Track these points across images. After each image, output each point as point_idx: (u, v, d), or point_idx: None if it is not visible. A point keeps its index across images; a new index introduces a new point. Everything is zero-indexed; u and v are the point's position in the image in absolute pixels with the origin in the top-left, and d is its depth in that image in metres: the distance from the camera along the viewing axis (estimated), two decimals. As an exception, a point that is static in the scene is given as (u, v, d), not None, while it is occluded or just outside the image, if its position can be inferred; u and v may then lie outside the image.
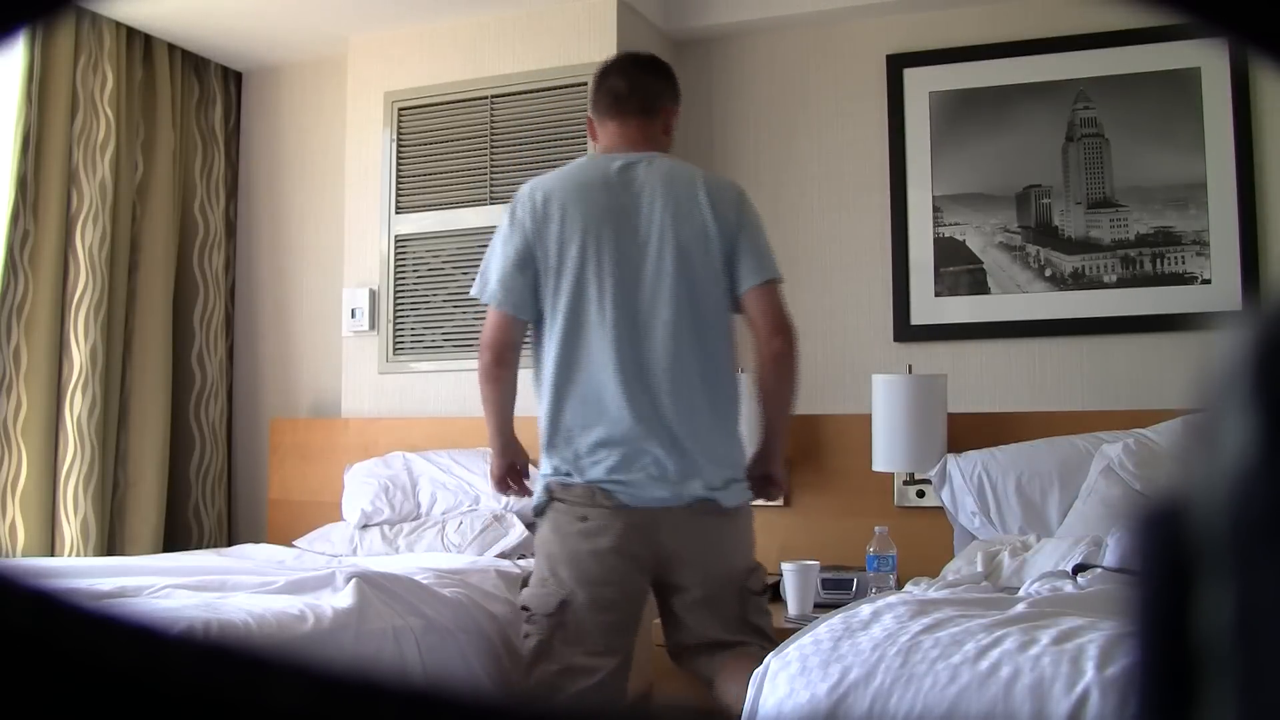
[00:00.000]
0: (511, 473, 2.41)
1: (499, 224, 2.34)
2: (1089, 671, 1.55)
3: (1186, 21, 0.27)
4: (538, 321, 2.31)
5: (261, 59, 4.24)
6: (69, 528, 3.51)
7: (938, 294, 3.54)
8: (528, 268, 2.27)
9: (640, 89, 2.34)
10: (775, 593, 2.91)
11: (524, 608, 2.29)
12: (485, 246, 3.72)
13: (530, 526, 2.41)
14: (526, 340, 2.38)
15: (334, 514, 3.63)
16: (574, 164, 2.35)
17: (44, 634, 0.24)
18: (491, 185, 3.73)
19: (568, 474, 2.23)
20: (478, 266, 3.82)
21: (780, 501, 2.67)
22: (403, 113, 3.89)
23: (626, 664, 2.28)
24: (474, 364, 3.73)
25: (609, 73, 2.39)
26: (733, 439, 2.31)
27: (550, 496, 2.26)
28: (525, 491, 2.44)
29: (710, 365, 2.25)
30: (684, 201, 2.28)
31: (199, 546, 3.91)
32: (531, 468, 2.42)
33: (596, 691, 2.18)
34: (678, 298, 2.22)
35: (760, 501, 2.44)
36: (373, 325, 3.88)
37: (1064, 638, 1.66)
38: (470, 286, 3.77)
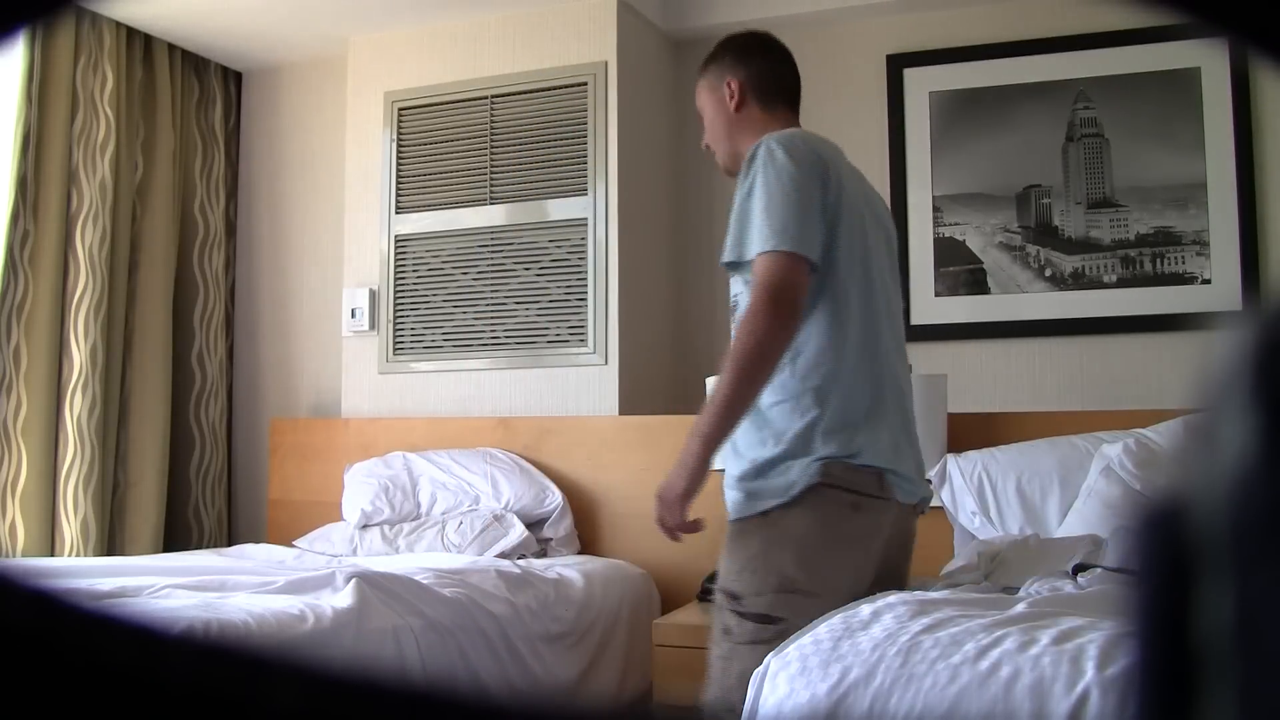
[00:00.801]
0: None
1: (780, 165, 1.91)
2: (1089, 671, 1.55)
3: (1186, 21, 0.27)
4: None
5: (261, 59, 4.24)
6: (69, 528, 3.51)
7: (938, 294, 3.54)
8: (819, 217, 1.93)
9: (800, 94, 2.22)
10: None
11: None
12: (485, 246, 3.75)
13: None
14: None
15: (334, 514, 3.63)
16: (806, 133, 2.05)
17: (44, 634, 0.24)
18: (491, 185, 3.73)
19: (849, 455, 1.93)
20: (478, 266, 3.89)
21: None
22: (403, 113, 3.89)
23: None
24: (474, 364, 3.75)
25: (778, 56, 2.19)
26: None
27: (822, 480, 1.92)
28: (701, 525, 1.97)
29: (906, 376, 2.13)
30: (875, 200, 2.16)
31: (199, 546, 3.91)
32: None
33: None
34: (892, 298, 2.10)
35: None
36: (373, 325, 3.88)
37: (1064, 638, 1.66)
38: (471, 286, 3.81)
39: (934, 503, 3.02)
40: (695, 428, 1.88)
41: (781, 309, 1.84)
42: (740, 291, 2.00)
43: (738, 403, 1.87)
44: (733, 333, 1.92)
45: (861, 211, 2.02)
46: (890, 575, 2.06)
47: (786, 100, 2.17)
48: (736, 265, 1.96)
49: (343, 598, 2.42)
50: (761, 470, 1.96)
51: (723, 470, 2.04)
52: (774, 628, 1.88)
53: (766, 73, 2.16)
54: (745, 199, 1.94)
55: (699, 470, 1.88)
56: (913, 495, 2.05)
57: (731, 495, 2.02)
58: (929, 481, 2.17)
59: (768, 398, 1.95)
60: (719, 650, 1.98)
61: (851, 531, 1.94)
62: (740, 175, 1.98)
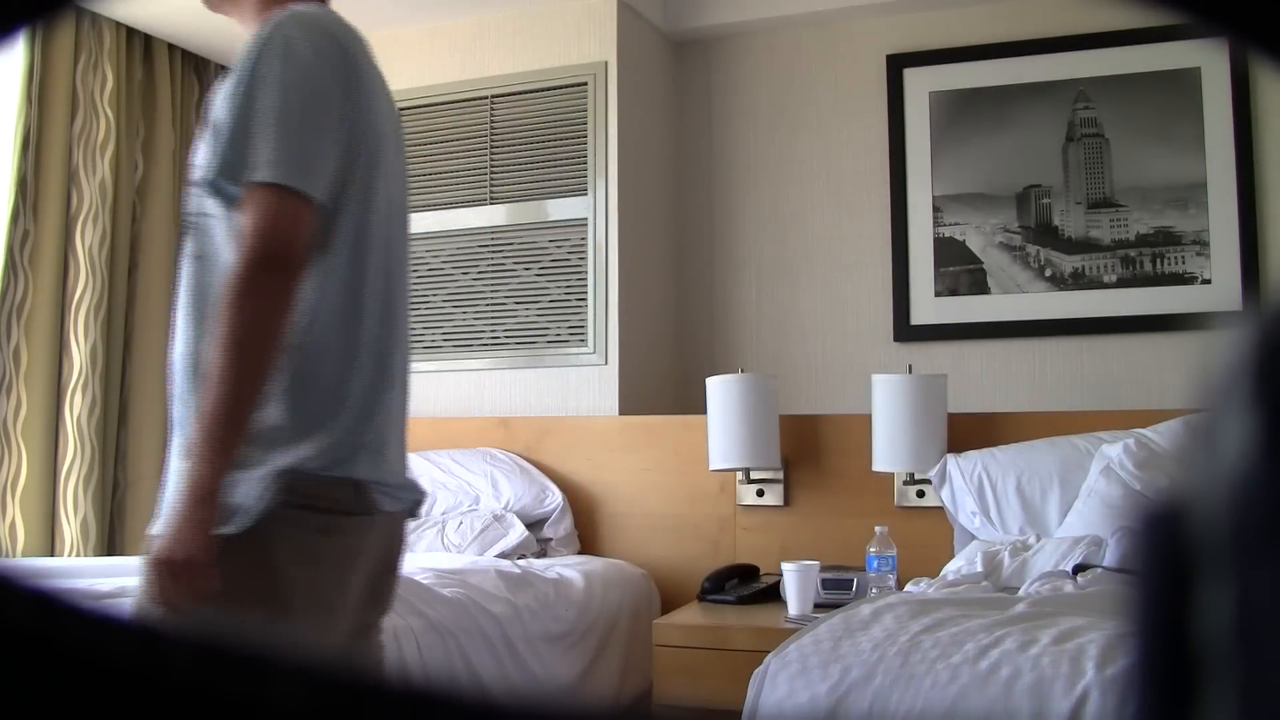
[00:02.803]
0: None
1: (301, 62, 1.47)
2: (1089, 671, 1.55)
3: (1186, 21, 0.27)
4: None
5: (261, 59, 4.24)
6: (69, 528, 3.51)
7: (938, 294, 3.54)
8: (331, 141, 1.49)
9: None
10: (776, 593, 2.92)
11: None
12: (485, 246, 3.75)
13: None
14: None
15: (334, 514, 3.63)
16: (339, 17, 1.57)
17: (44, 634, 0.24)
18: (491, 185, 3.73)
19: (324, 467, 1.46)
20: (478, 266, 3.89)
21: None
22: (402, 112, 3.87)
23: None
24: (474, 364, 3.75)
25: None
26: None
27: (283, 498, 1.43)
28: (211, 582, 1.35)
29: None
30: (396, 118, 1.72)
31: (199, 546, 3.90)
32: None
33: None
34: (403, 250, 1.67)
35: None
36: (373, 325, 3.88)
37: (1064, 638, 1.66)
38: (471, 286, 3.80)
39: (934, 503, 3.04)
40: (196, 442, 1.37)
41: (284, 273, 1.40)
42: (209, 215, 1.50)
43: (243, 400, 1.36)
44: (191, 272, 1.51)
45: (384, 131, 1.60)
46: (372, 598, 1.58)
47: None
48: (217, 184, 1.47)
49: (343, 598, 2.41)
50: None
51: None
52: None
53: None
54: (246, 98, 1.45)
55: (213, 495, 1.35)
56: (403, 500, 1.60)
57: None
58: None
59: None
60: None
61: (316, 571, 1.45)
62: (244, 61, 1.47)
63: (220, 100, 1.49)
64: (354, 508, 1.49)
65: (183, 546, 1.33)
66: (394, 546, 1.63)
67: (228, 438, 1.36)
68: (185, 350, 1.51)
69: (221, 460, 1.35)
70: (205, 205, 1.51)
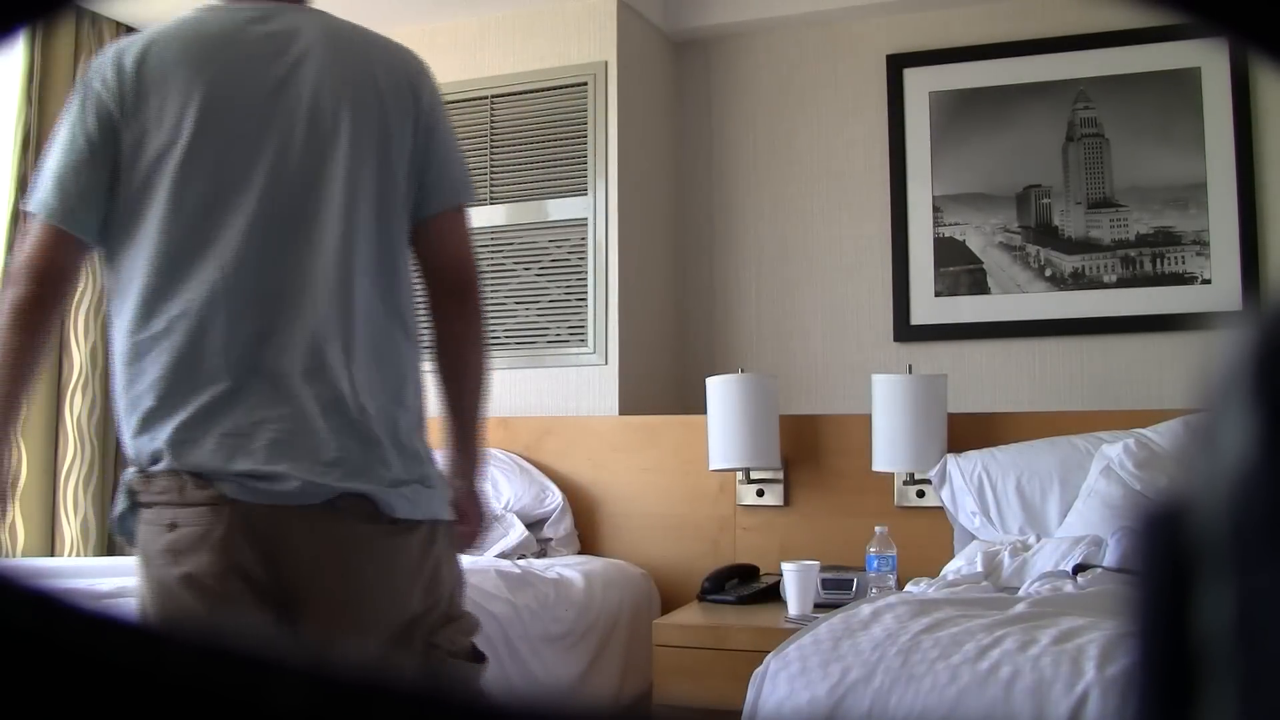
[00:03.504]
0: None
1: (67, 109, 1.54)
2: (1089, 671, 1.55)
3: (1186, 21, 0.27)
4: (107, 245, 1.54)
5: (261, 59, 4.24)
6: (69, 528, 3.51)
7: (938, 294, 3.54)
8: (101, 165, 1.49)
9: None
10: (776, 593, 2.92)
11: None
12: (485, 246, 3.74)
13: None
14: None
15: (334, 514, 3.62)
16: (179, 17, 1.56)
17: (44, 634, 0.24)
18: (491, 185, 3.73)
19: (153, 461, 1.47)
20: (478, 266, 3.84)
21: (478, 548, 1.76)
22: (403, 113, 3.88)
23: None
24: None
25: None
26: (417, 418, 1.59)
27: (133, 500, 1.49)
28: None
29: (380, 317, 1.60)
30: (356, 71, 1.58)
31: (199, 546, 3.90)
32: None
33: None
34: (347, 208, 1.54)
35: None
36: (373, 325, 3.88)
37: (1064, 638, 1.66)
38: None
39: (934, 503, 3.04)
40: None
41: (19, 291, 1.49)
42: None
43: None
44: None
45: (219, 108, 1.50)
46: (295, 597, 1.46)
47: None
48: None
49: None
50: None
51: None
52: None
53: None
54: None
55: None
56: (259, 490, 1.44)
57: None
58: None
59: None
60: None
61: (161, 556, 1.45)
62: None
63: None
64: (188, 499, 1.44)
65: None
66: (283, 538, 1.45)
67: None
68: None
69: None
70: None
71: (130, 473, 1.49)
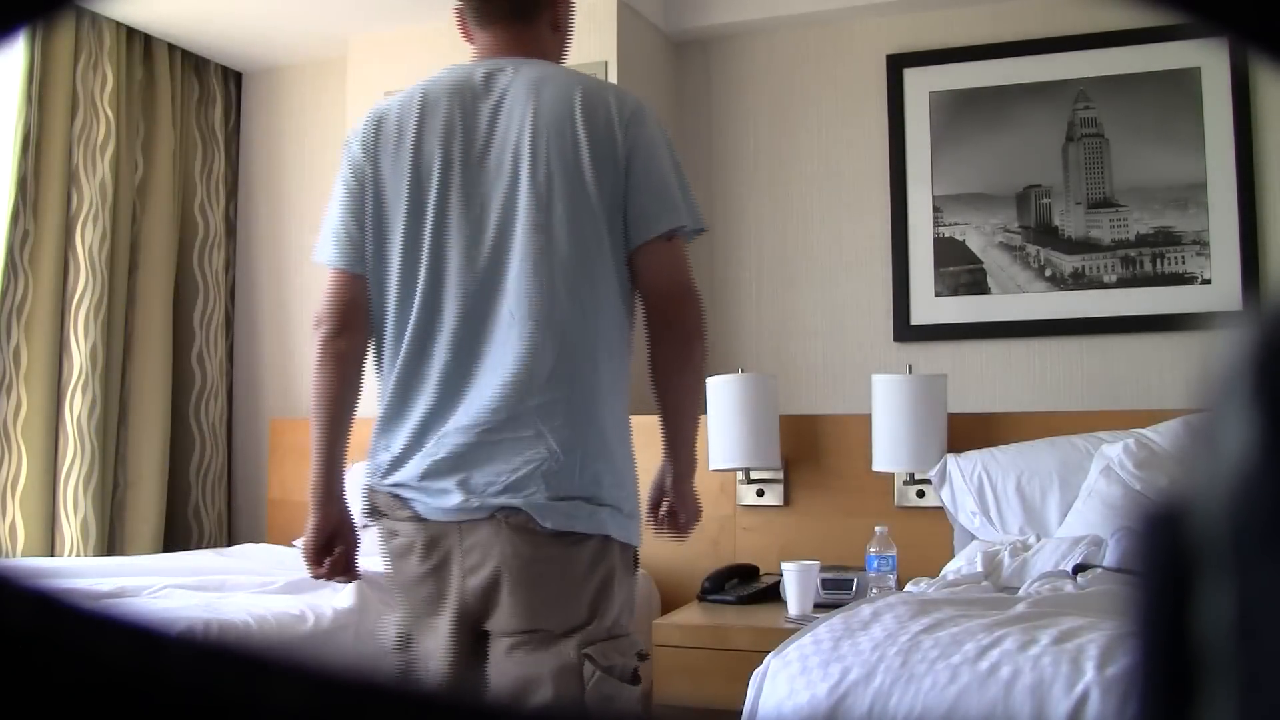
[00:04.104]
0: (341, 535, 1.78)
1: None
2: (1089, 671, 1.55)
3: (1186, 21, 0.27)
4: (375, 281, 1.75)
5: (261, 59, 4.24)
6: (69, 528, 3.51)
7: (938, 294, 3.54)
8: (362, 213, 1.73)
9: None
10: (776, 593, 2.92)
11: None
12: (485, 246, 3.74)
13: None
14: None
15: (334, 514, 3.62)
16: (420, 81, 1.82)
17: (44, 634, 0.24)
18: (491, 185, 3.73)
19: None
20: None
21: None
22: (403, 113, 3.88)
23: None
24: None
25: None
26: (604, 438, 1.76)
27: (371, 508, 1.76)
28: (352, 575, 1.82)
29: (576, 341, 1.70)
30: (555, 117, 1.69)
31: (199, 546, 3.91)
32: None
33: None
34: (544, 244, 1.66)
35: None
36: (373, 325, 3.88)
37: (1064, 638, 1.66)
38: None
39: (934, 503, 3.04)
40: None
41: (316, 328, 1.75)
42: None
43: (314, 432, 1.78)
44: None
45: (441, 161, 1.70)
46: (479, 608, 1.65)
47: (495, 16, 1.84)
48: None
49: (343, 598, 2.42)
50: None
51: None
52: None
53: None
54: None
55: (311, 514, 1.79)
56: (455, 509, 1.63)
57: None
58: (562, 497, 1.65)
59: None
60: None
61: (393, 560, 1.73)
62: None
63: None
64: (389, 511, 1.70)
65: (307, 529, 1.79)
66: (451, 551, 1.65)
67: (312, 456, 1.79)
68: None
69: (312, 474, 1.78)
70: None
71: (365, 483, 1.76)
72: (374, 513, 1.73)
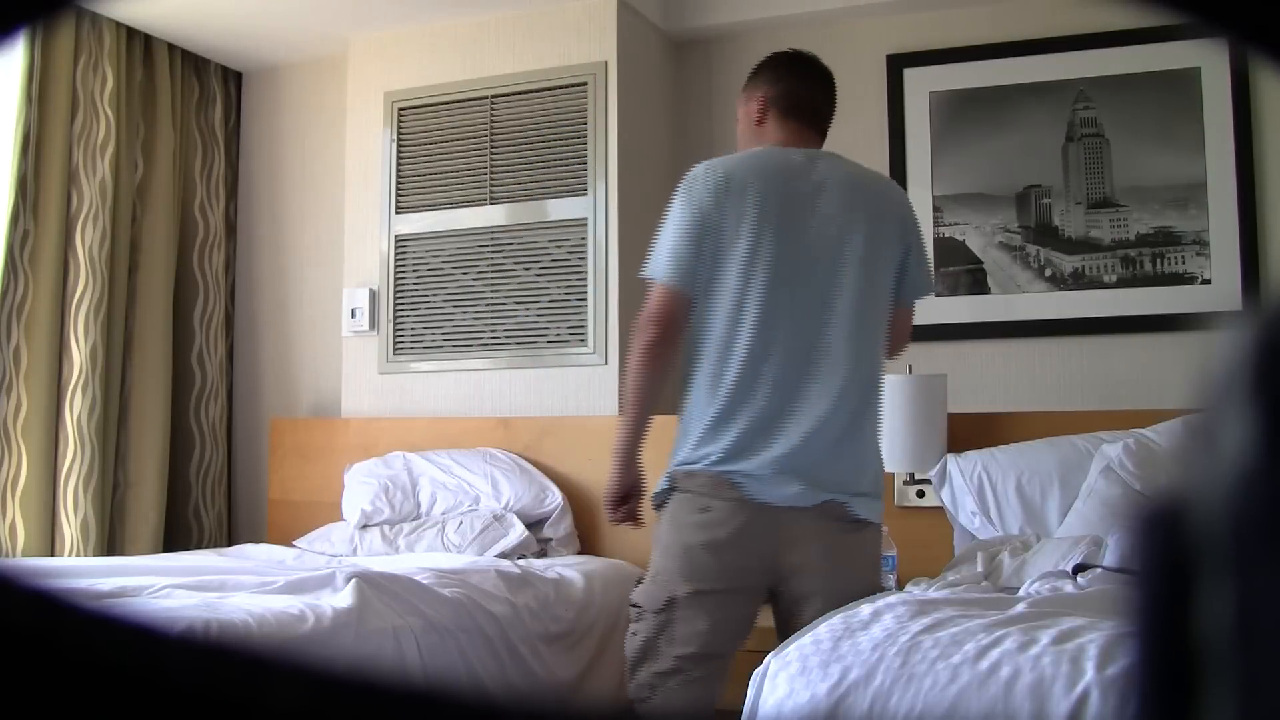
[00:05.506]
0: (634, 491, 2.21)
1: (677, 198, 2.16)
2: (1089, 671, 1.55)
3: (1186, 21, 0.27)
4: (695, 301, 2.16)
5: (261, 59, 4.24)
6: (69, 528, 3.51)
7: (938, 294, 3.54)
8: (698, 245, 2.11)
9: (828, 113, 2.30)
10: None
11: (633, 604, 2.14)
12: (485, 246, 3.75)
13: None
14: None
15: (334, 514, 3.63)
16: (749, 152, 2.23)
17: (44, 634, 0.24)
18: (491, 185, 3.73)
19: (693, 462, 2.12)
20: (478, 266, 3.89)
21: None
22: (403, 113, 3.89)
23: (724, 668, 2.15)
24: (474, 364, 3.75)
25: (804, 77, 2.28)
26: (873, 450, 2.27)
27: (673, 486, 2.13)
28: (639, 522, 2.25)
29: (869, 372, 2.18)
30: (863, 201, 2.18)
31: (199, 546, 3.91)
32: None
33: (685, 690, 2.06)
34: (855, 295, 2.12)
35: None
36: (373, 325, 3.88)
37: (1064, 638, 1.66)
38: (471, 286, 3.80)
39: (934, 503, 3.04)
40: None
41: (643, 333, 2.12)
42: None
43: (630, 405, 2.17)
44: None
45: (775, 219, 2.11)
46: (796, 576, 2.10)
47: (804, 118, 2.26)
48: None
49: (343, 598, 2.42)
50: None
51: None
52: (634, 612, 2.15)
53: (788, 92, 2.27)
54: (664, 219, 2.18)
55: (620, 460, 2.18)
56: (771, 495, 2.07)
57: None
58: (859, 493, 2.15)
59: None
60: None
61: (690, 529, 2.09)
62: None
63: None
64: (720, 493, 2.06)
65: (610, 488, 2.19)
66: (799, 535, 2.07)
67: (626, 422, 2.17)
68: None
69: (621, 439, 2.17)
70: None
71: (679, 466, 2.11)
72: (682, 488, 2.09)
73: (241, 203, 4.34)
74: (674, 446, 2.17)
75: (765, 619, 2.72)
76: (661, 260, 2.14)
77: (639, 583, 2.20)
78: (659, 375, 2.14)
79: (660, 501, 2.16)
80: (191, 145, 4.14)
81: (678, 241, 2.12)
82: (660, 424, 2.23)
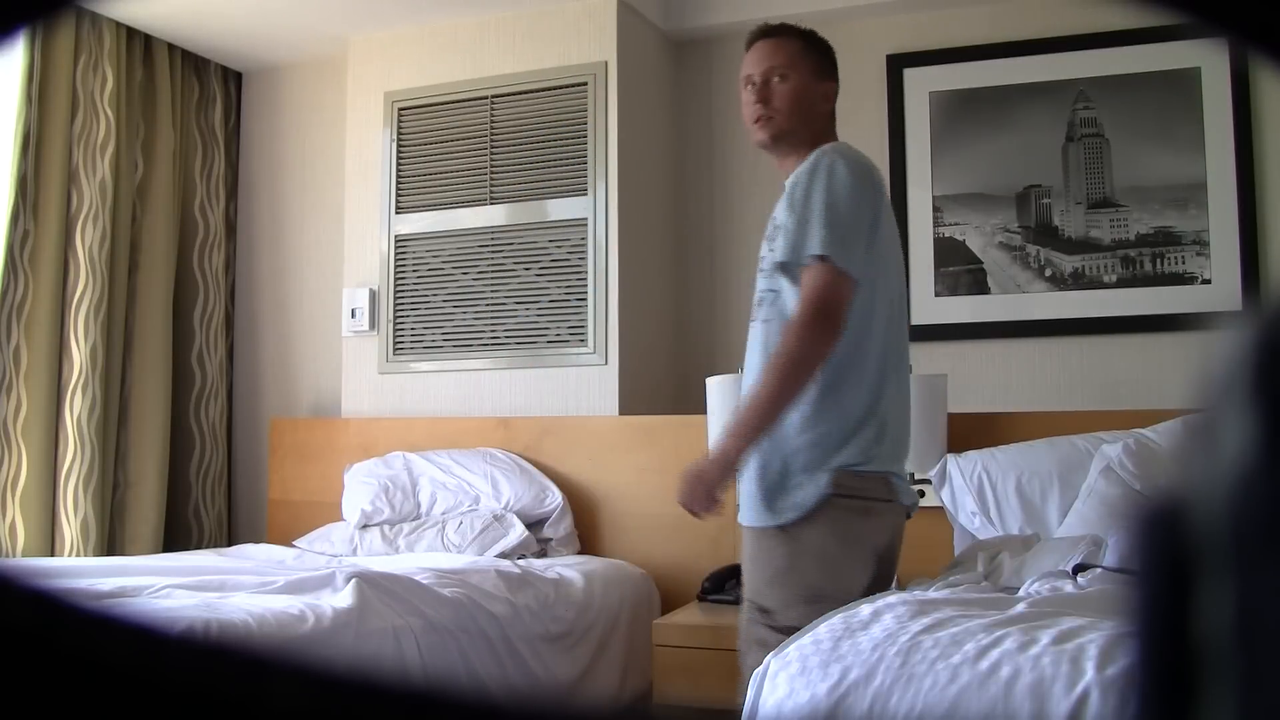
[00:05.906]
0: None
1: (843, 179, 2.04)
2: (1089, 671, 1.55)
3: (1186, 21, 0.27)
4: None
5: (261, 59, 4.24)
6: (69, 528, 3.51)
7: (938, 294, 3.54)
8: (867, 234, 2.06)
9: None
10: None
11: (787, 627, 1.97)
12: (485, 246, 3.75)
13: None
14: None
15: (334, 514, 3.63)
16: (862, 153, 2.21)
17: (44, 634, 0.24)
18: (491, 185, 3.73)
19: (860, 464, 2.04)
20: (478, 266, 3.89)
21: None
22: (403, 113, 3.89)
23: None
24: (474, 364, 3.75)
25: None
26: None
27: (836, 490, 2.01)
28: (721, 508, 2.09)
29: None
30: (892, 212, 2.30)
31: (199, 546, 3.91)
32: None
33: None
34: (901, 304, 2.21)
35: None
36: (373, 325, 3.88)
37: (1064, 638, 1.66)
38: (471, 286, 3.80)
39: (934, 503, 3.04)
40: (734, 423, 1.99)
41: (829, 324, 1.95)
42: (779, 290, 2.07)
43: (777, 404, 1.96)
44: (762, 332, 2.09)
45: (893, 229, 2.16)
46: (883, 578, 2.13)
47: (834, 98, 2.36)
48: (786, 265, 2.04)
49: (343, 598, 2.42)
50: (781, 481, 2.03)
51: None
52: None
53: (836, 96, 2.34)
54: (804, 202, 2.03)
55: (734, 462, 1.99)
56: (910, 498, 2.16)
57: (751, 502, 2.08)
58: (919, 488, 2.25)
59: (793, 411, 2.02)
60: (752, 660, 1.93)
61: (861, 536, 2.04)
62: (801, 176, 2.08)
63: (780, 209, 2.12)
64: (885, 496, 2.04)
65: (711, 474, 1.97)
66: (900, 536, 2.13)
67: (764, 420, 1.96)
68: (750, 382, 2.08)
69: (755, 434, 1.97)
70: (777, 283, 2.07)
71: (848, 466, 2.01)
72: (847, 492, 2.00)
73: (241, 203, 4.34)
74: (809, 444, 2.01)
75: (765, 619, 2.72)
76: (850, 249, 2.00)
77: (763, 610, 2.04)
78: (815, 373, 1.98)
79: (814, 507, 2.00)
80: (191, 145, 4.14)
81: (862, 232, 2.03)
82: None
